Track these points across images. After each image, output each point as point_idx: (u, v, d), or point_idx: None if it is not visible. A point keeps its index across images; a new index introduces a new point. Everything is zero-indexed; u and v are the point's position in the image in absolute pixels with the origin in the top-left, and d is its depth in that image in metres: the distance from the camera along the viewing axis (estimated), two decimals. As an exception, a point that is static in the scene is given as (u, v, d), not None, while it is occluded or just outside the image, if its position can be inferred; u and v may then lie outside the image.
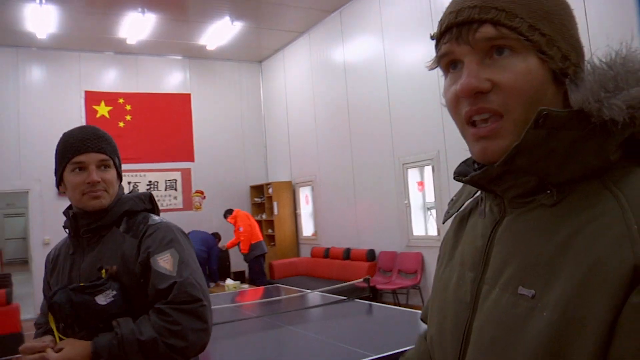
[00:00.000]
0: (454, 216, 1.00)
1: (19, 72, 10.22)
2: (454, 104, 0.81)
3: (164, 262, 1.64)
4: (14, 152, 9.97)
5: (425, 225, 8.41)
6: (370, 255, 9.07)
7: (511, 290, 0.74)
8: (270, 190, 11.57)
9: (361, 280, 5.03)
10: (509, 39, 0.75)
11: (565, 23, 0.77)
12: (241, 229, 9.60)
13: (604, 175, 0.72)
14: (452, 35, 0.79)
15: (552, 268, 0.70)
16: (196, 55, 11.85)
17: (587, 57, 0.77)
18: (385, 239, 8.87)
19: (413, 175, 8.44)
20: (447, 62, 0.83)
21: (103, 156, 1.73)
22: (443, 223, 1.04)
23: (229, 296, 6.24)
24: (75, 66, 10.80)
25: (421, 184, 8.44)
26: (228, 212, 10.19)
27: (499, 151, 0.76)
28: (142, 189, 11.06)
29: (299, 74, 11.40)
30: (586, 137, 0.71)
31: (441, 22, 0.84)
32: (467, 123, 0.80)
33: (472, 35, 0.77)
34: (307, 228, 11.52)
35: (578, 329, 0.64)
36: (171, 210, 11.32)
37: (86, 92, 10.77)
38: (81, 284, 1.64)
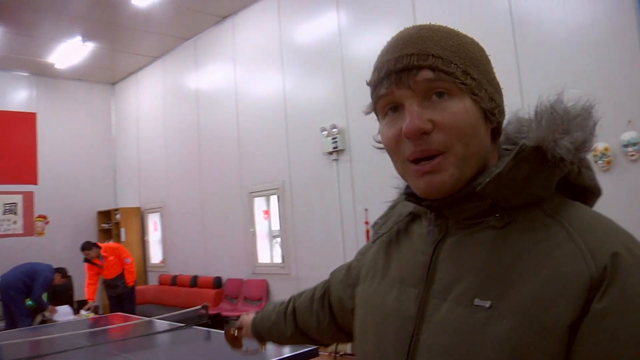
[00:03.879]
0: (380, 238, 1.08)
1: None
2: (394, 144, 0.86)
3: None
4: None
5: (271, 252, 8.56)
6: (217, 282, 9.10)
7: (466, 303, 0.79)
8: (118, 216, 11.23)
9: (199, 307, 5.06)
10: (447, 82, 0.82)
11: (487, 68, 0.87)
12: (128, 261, 8.51)
13: (542, 204, 0.82)
14: (391, 81, 0.84)
15: (507, 280, 0.77)
16: (44, 73, 11.30)
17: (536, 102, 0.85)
18: (232, 267, 8.94)
19: (259, 203, 8.59)
20: (384, 105, 0.87)
21: None
22: (373, 242, 1.09)
23: (64, 326, 6.00)
24: None
25: (267, 212, 8.61)
26: (87, 247, 8.56)
27: (442, 184, 0.83)
28: (-24, 211, 10.36)
29: (152, 98, 11.27)
30: (538, 171, 0.80)
31: (378, 69, 0.87)
32: (409, 161, 0.85)
33: (413, 79, 0.82)
34: (156, 255, 11.28)
35: (540, 332, 0.71)
36: (10, 236, 10.54)
37: None
38: None
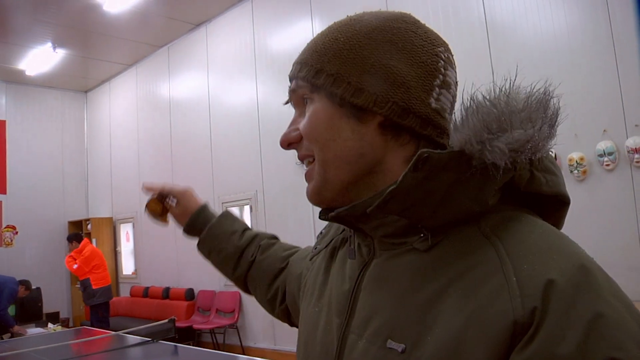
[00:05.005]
0: (323, 251, 0.95)
1: None
2: None
3: None
4: None
5: (244, 264, 8.45)
6: (189, 294, 8.96)
7: (379, 344, 0.68)
8: (89, 227, 11.04)
9: (166, 321, 4.93)
10: (303, 88, 0.76)
11: (366, 54, 0.72)
12: (75, 267, 8.21)
13: (481, 220, 0.68)
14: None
15: (425, 320, 0.65)
16: (15, 80, 11.09)
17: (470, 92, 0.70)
18: (205, 278, 8.79)
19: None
20: None
21: None
22: (310, 260, 0.99)
23: (29, 340, 5.84)
24: None
25: (241, 223, 8.50)
26: (74, 239, 8.67)
27: (310, 192, 0.77)
28: (-57, 222, 10.11)
29: (125, 106, 11.12)
30: (465, 180, 0.66)
31: None
32: None
33: (290, 90, 0.81)
34: (128, 266, 11.08)
35: None
36: (-24, 247, 10.42)
37: None
38: None
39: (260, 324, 7.81)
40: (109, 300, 8.47)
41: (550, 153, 0.72)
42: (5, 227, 10.71)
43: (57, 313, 10.68)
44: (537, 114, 0.66)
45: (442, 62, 0.74)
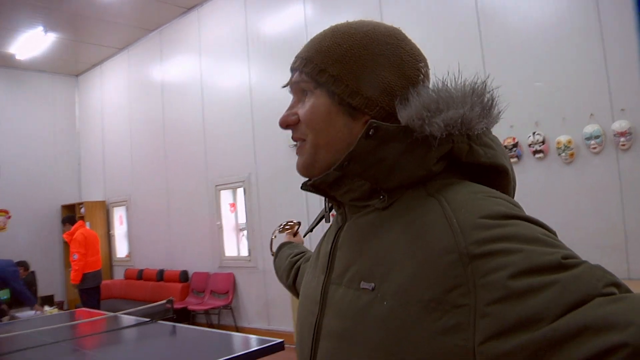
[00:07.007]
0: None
1: None
2: None
3: None
4: None
5: (238, 246, 8.55)
6: (184, 276, 9.05)
7: (355, 286, 0.82)
8: (82, 210, 11.07)
9: (164, 301, 5.03)
10: (307, 82, 0.91)
11: (364, 63, 0.88)
12: (75, 257, 8.10)
13: (428, 184, 0.83)
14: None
15: (387, 262, 0.78)
16: (5, 64, 11.05)
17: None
18: (199, 260, 8.89)
19: (226, 196, 8.57)
20: None
21: None
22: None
23: (27, 323, 5.92)
24: None
25: (233, 205, 8.59)
26: (68, 221, 8.67)
27: (300, 165, 0.94)
28: None
29: (117, 90, 11.11)
30: (410, 149, 0.82)
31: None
32: None
33: (291, 80, 0.96)
34: (121, 249, 11.17)
35: (415, 311, 0.72)
36: (-30, 231, 10.47)
37: None
38: None
39: (254, 305, 7.93)
40: (98, 284, 8.46)
41: (492, 132, 0.89)
42: (-3, 212, 10.77)
43: (52, 296, 10.76)
44: (470, 99, 0.82)
45: (422, 76, 0.91)
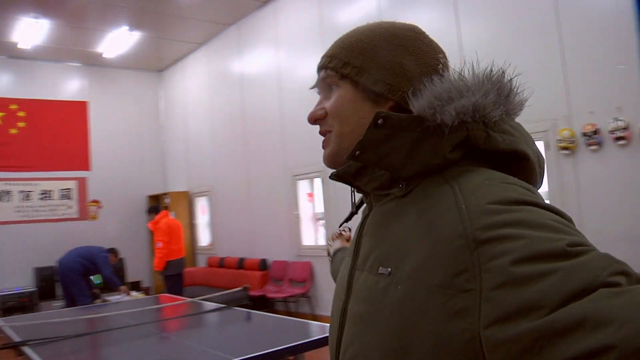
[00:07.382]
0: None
1: None
2: None
3: None
4: None
5: (315, 235, 8.65)
6: (263, 264, 9.25)
7: (375, 272, 0.85)
8: (167, 200, 11.49)
9: (241, 288, 5.17)
10: (332, 77, 0.96)
11: (384, 54, 0.92)
12: (159, 245, 8.48)
13: (444, 172, 0.84)
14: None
15: (403, 248, 0.81)
16: (94, 63, 11.64)
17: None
18: (277, 249, 9.07)
19: (303, 186, 8.67)
20: None
21: None
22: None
23: (116, 306, 6.23)
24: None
25: (311, 195, 8.68)
26: (153, 211, 9.01)
27: (327, 155, 0.97)
28: (34, 198, 10.78)
29: (198, 84, 11.46)
30: (423, 138, 0.82)
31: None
32: None
33: (318, 78, 1.00)
34: (204, 238, 11.54)
35: (425, 295, 0.73)
36: (65, 220, 11.03)
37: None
38: None
39: (331, 293, 7.92)
40: (181, 272, 8.76)
41: (515, 120, 0.90)
42: (90, 202, 11.33)
43: (139, 282, 11.25)
44: (484, 86, 0.84)
45: (441, 65, 0.94)
